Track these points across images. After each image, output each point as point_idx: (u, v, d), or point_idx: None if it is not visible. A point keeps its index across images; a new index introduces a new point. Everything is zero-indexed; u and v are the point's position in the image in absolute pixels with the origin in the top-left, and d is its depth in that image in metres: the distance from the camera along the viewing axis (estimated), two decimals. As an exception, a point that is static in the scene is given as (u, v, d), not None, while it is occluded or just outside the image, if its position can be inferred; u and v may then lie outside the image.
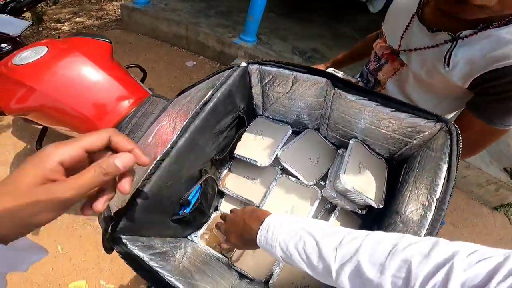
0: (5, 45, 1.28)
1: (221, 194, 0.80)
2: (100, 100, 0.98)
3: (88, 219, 1.47)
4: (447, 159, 0.48)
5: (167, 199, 0.58)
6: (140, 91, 1.04)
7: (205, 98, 0.60)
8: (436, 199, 0.46)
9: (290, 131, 0.78)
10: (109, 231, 0.46)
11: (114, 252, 0.47)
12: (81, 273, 1.30)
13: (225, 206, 0.78)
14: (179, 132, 0.56)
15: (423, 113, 0.53)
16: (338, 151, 0.74)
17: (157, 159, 0.53)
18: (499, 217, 2.46)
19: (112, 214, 0.48)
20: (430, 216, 0.45)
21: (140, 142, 0.77)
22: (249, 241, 0.50)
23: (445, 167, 0.47)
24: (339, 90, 0.60)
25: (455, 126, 0.50)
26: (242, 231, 0.51)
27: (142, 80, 1.51)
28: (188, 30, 2.68)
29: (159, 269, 0.45)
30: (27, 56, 0.96)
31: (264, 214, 0.50)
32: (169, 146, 0.55)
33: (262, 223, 0.48)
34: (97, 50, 1.11)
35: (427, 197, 0.48)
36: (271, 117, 0.83)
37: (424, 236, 0.44)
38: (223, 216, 0.61)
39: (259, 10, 2.31)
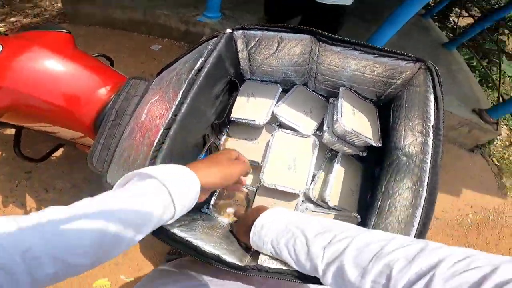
0: None
1: None
2: (75, 90, 0.93)
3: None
4: (432, 90, 0.53)
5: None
6: (116, 76, 1.01)
7: (197, 66, 0.61)
8: (432, 126, 0.51)
9: (280, 89, 0.81)
10: None
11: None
12: (100, 271, 1.31)
13: None
14: (179, 99, 0.57)
15: (402, 55, 0.59)
16: (330, 100, 0.78)
17: (162, 128, 0.55)
18: (477, 160, 2.70)
19: None
20: (430, 142, 0.50)
21: (130, 125, 0.76)
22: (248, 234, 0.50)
23: (432, 97, 0.53)
24: (324, 44, 0.64)
25: (431, 63, 0.57)
26: (246, 229, 0.51)
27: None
28: (147, 15, 2.54)
29: (190, 238, 0.48)
30: (-19, 58, 0.88)
31: (262, 211, 0.50)
32: (171, 114, 0.56)
33: (256, 219, 0.48)
34: (58, 41, 1.04)
35: (423, 125, 0.53)
36: (259, 79, 0.85)
37: (429, 161, 0.48)
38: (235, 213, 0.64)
39: None
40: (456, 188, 2.38)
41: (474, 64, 3.53)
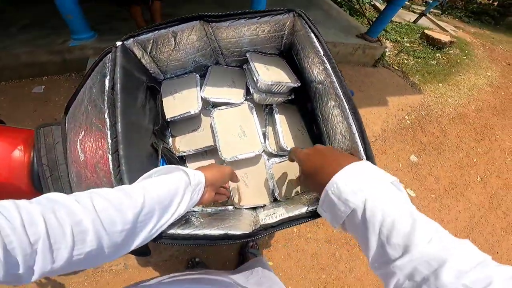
0: None
1: (183, 159, 0.83)
2: None
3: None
4: (310, 30, 0.64)
5: None
6: (19, 132, 0.89)
7: (108, 85, 0.59)
8: (323, 55, 0.62)
9: (198, 76, 0.85)
10: None
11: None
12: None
13: (193, 166, 0.81)
14: (109, 122, 0.55)
15: (277, 11, 0.69)
16: (243, 67, 0.85)
17: (110, 154, 0.54)
18: (383, 71, 3.22)
19: None
20: (328, 66, 0.60)
21: (73, 172, 0.71)
22: (320, 180, 0.43)
23: (312, 35, 0.63)
24: (213, 23, 0.69)
25: (299, 10, 0.67)
26: (323, 164, 0.46)
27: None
28: (2, 59, 2.12)
29: (194, 231, 0.51)
30: None
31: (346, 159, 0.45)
32: (110, 138, 0.55)
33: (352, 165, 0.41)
34: None
35: (317, 57, 0.63)
36: (174, 75, 0.86)
37: (335, 80, 0.57)
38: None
39: (70, 4, 2.00)
40: (382, 99, 2.78)
41: (339, 0, 4.08)
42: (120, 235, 0.35)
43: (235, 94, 0.83)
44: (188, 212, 0.73)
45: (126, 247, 0.38)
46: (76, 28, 2.17)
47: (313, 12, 3.28)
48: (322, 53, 0.62)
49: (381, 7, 4.62)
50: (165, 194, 0.43)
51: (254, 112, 0.81)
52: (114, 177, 0.52)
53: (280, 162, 0.78)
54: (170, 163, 0.71)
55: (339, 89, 0.57)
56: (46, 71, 2.30)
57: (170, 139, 0.81)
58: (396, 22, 4.47)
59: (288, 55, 0.87)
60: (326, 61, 0.61)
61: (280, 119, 0.79)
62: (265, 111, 0.85)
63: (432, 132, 2.64)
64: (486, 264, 0.27)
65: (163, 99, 0.80)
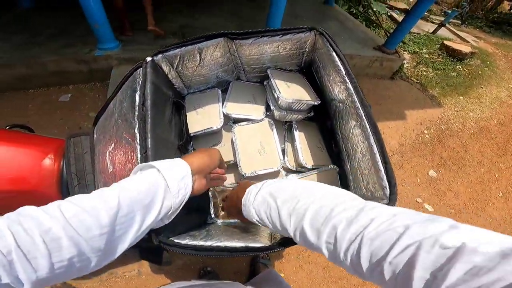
0: None
1: None
2: (17, 170, 0.86)
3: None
4: (331, 49, 0.65)
5: None
6: (51, 142, 0.94)
7: (138, 100, 0.62)
8: (344, 74, 0.63)
9: (220, 91, 0.88)
10: (161, 243, 0.52)
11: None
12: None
13: None
14: (139, 137, 0.58)
15: (298, 29, 0.71)
16: (264, 83, 0.88)
17: None
18: (401, 84, 3.15)
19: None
20: (350, 85, 0.62)
21: (100, 182, 0.74)
22: (241, 212, 0.53)
23: (334, 54, 0.65)
24: (237, 41, 0.71)
25: (321, 28, 0.70)
26: (236, 203, 0.55)
27: (33, 136, 1.30)
28: (30, 67, 2.23)
29: (216, 243, 0.54)
30: None
31: (248, 185, 0.54)
32: (140, 153, 0.57)
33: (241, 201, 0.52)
34: None
35: (339, 76, 0.64)
36: (197, 90, 0.90)
37: (357, 99, 0.58)
38: (224, 197, 0.67)
39: (99, 14, 2.09)
40: (400, 113, 2.72)
41: (355, 11, 4.08)
42: (100, 239, 0.34)
43: (256, 110, 0.85)
44: (209, 224, 0.75)
45: (112, 251, 0.37)
46: (102, 37, 2.27)
47: (328, 24, 3.30)
48: (343, 72, 0.63)
49: (399, 18, 4.59)
50: (145, 193, 0.41)
51: (274, 129, 0.82)
52: None
53: (299, 178, 0.78)
54: None
55: (360, 109, 0.58)
56: (72, 80, 2.41)
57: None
58: (414, 33, 4.41)
59: (308, 71, 0.89)
60: (347, 80, 0.62)
61: (299, 136, 0.80)
62: (285, 128, 0.87)
63: (452, 147, 2.56)
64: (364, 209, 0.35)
65: (187, 113, 0.83)
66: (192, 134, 0.80)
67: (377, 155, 0.54)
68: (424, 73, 3.49)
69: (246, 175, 0.76)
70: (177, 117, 0.78)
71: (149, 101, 0.60)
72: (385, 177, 0.52)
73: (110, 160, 0.72)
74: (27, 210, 0.33)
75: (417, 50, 3.94)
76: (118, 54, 2.34)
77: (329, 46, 0.66)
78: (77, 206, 0.35)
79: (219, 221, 0.76)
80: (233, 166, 0.81)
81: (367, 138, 0.56)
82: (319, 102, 0.79)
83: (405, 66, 3.40)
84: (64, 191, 0.83)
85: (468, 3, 5.95)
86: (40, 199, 0.86)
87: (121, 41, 2.44)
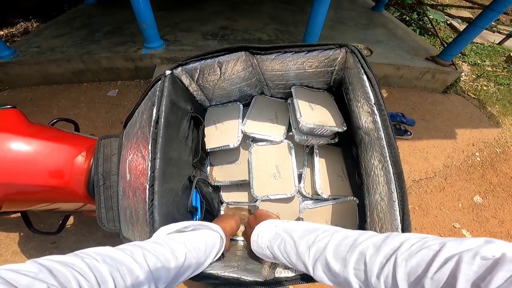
0: None
1: (218, 188, 0.85)
2: (53, 165, 0.92)
3: None
4: (362, 71, 0.58)
5: (178, 214, 0.62)
6: (85, 141, 1.00)
7: (154, 117, 0.62)
8: (374, 104, 0.55)
9: (241, 106, 0.85)
10: None
11: None
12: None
13: (227, 196, 0.84)
14: (150, 155, 0.59)
15: (326, 45, 0.64)
16: (288, 101, 0.83)
17: (148, 186, 0.57)
18: (455, 99, 2.83)
19: None
20: (378, 118, 0.54)
21: (120, 186, 0.77)
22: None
23: (365, 77, 0.57)
24: (258, 56, 0.67)
25: (353, 45, 0.62)
26: (248, 234, 0.59)
27: (76, 130, 1.42)
28: (86, 62, 2.46)
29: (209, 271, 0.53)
30: None
31: (258, 221, 0.59)
32: (149, 171, 0.58)
33: (253, 231, 0.56)
34: (9, 121, 1.01)
35: (367, 104, 0.57)
36: (219, 103, 0.88)
37: (384, 137, 0.51)
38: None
39: (147, 14, 2.21)
40: (450, 131, 2.46)
41: (407, 18, 3.77)
42: (163, 286, 0.41)
43: (276, 131, 0.81)
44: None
45: None
46: (149, 36, 2.41)
47: (374, 31, 3.07)
48: (373, 100, 0.55)
49: (460, 27, 4.13)
50: (202, 253, 0.50)
51: (293, 153, 0.77)
52: (148, 207, 0.55)
53: (313, 208, 0.73)
54: (203, 196, 0.72)
55: (385, 149, 0.50)
56: (121, 76, 2.61)
57: (208, 168, 0.83)
58: (477, 43, 3.93)
59: (338, 90, 0.81)
60: (376, 112, 0.54)
61: (319, 163, 0.74)
62: (306, 151, 0.81)
63: (505, 172, 2.24)
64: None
65: (206, 128, 0.83)
66: (208, 150, 0.79)
67: (396, 203, 0.48)
68: (485, 88, 3.08)
69: (258, 197, 0.73)
70: (195, 132, 0.78)
71: (163, 119, 0.60)
72: (400, 227, 0.47)
73: (129, 168, 0.74)
74: (119, 256, 0.37)
75: (479, 61, 3.49)
76: (161, 54, 2.46)
77: (360, 68, 0.58)
78: (156, 257, 0.41)
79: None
80: (248, 185, 0.79)
81: (387, 183, 0.49)
82: (345, 128, 0.72)
83: (462, 79, 3.04)
84: (91, 190, 0.88)
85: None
86: (69, 195, 0.91)
87: (166, 41, 2.57)
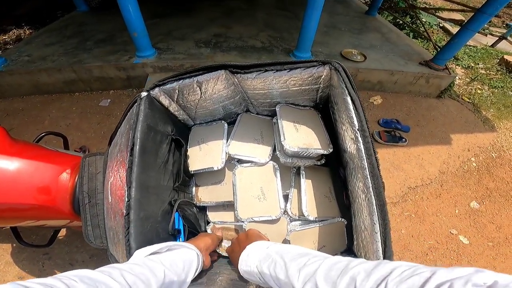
0: None
1: (204, 207, 0.82)
2: (38, 184, 0.91)
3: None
4: (347, 92, 0.55)
5: (157, 239, 0.60)
6: (70, 158, 0.99)
7: (130, 143, 0.59)
8: (357, 129, 0.52)
9: (226, 124, 0.83)
10: None
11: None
12: None
13: (213, 216, 0.81)
14: (125, 185, 0.57)
15: (309, 62, 0.61)
16: (273, 120, 0.81)
17: (124, 213, 0.55)
18: (449, 103, 2.82)
19: None
20: (361, 146, 0.51)
21: (105, 205, 0.75)
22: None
23: (349, 99, 0.55)
24: (239, 75, 0.65)
25: (337, 62, 0.59)
26: (236, 253, 0.60)
27: (65, 144, 1.39)
28: (77, 72, 2.43)
29: None
30: None
31: (248, 242, 0.59)
32: (126, 199, 0.56)
33: (243, 250, 0.57)
34: None
35: (352, 130, 0.54)
36: (203, 122, 0.86)
37: (367, 167, 0.49)
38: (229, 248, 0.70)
39: (138, 23, 2.19)
40: (445, 137, 2.45)
41: (401, 22, 3.78)
42: None
43: (261, 152, 0.78)
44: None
45: None
46: (140, 45, 2.38)
47: (368, 36, 3.07)
48: (357, 126, 0.53)
49: (452, 29, 4.14)
50: (181, 269, 0.51)
51: (278, 175, 0.75)
52: (124, 234, 0.53)
53: (300, 230, 0.71)
54: (186, 217, 0.70)
55: (369, 179, 0.48)
56: (113, 86, 2.57)
57: (194, 188, 0.81)
58: (470, 45, 3.94)
59: (325, 107, 0.79)
60: (360, 139, 0.52)
61: (306, 184, 0.72)
62: (293, 171, 0.79)
63: (502, 177, 2.23)
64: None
65: (190, 149, 0.80)
66: (192, 172, 0.77)
67: (378, 235, 0.46)
68: (479, 91, 3.08)
69: (242, 219, 0.70)
70: (177, 154, 0.75)
71: (138, 146, 0.57)
72: (381, 259, 0.45)
73: (110, 190, 0.72)
74: (97, 276, 0.38)
75: (472, 64, 3.50)
76: (153, 62, 2.43)
77: (344, 88, 0.55)
78: (135, 276, 0.42)
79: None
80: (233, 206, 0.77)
81: (370, 214, 0.47)
82: (331, 150, 0.70)
83: (456, 82, 3.03)
84: (76, 207, 0.86)
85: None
86: (54, 213, 0.90)
87: (158, 49, 2.55)
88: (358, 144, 0.52)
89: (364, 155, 0.50)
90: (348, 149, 0.59)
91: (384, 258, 0.46)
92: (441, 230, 1.84)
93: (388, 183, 2.05)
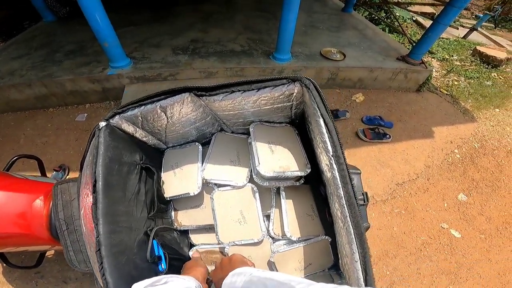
0: None
1: (186, 230, 0.79)
2: (11, 213, 0.87)
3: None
4: (319, 113, 0.52)
5: (135, 270, 0.57)
6: (41, 186, 0.96)
7: (92, 180, 0.55)
8: (332, 156, 0.50)
9: (200, 146, 0.79)
10: None
11: None
12: None
13: (196, 239, 0.78)
14: (94, 220, 0.53)
15: (278, 80, 0.57)
16: (248, 139, 0.77)
17: (96, 247, 0.51)
18: (428, 96, 2.86)
19: None
20: (336, 174, 0.49)
21: (83, 233, 0.71)
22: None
23: (321, 121, 0.52)
24: (204, 97, 0.60)
25: (308, 78, 0.55)
26: (220, 281, 0.57)
27: (41, 166, 1.32)
28: (48, 86, 2.30)
29: None
30: None
31: (232, 267, 0.57)
32: (96, 234, 0.52)
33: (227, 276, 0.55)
34: None
35: (326, 156, 0.52)
36: (176, 145, 0.82)
37: (343, 195, 0.47)
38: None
39: (107, 32, 2.08)
40: (427, 130, 2.48)
41: (376, 17, 3.83)
42: None
43: (238, 174, 0.75)
44: None
45: None
46: (113, 56, 2.27)
47: (346, 33, 3.10)
48: (331, 152, 0.50)
49: (425, 23, 4.24)
50: None
51: (257, 197, 0.73)
52: (99, 269, 0.50)
53: (284, 251, 0.69)
54: (166, 244, 0.67)
55: (345, 208, 0.46)
56: (88, 99, 2.45)
57: (173, 212, 0.77)
58: (443, 38, 4.05)
59: (301, 123, 0.76)
60: (335, 166, 0.49)
61: (286, 205, 0.70)
62: (273, 190, 0.76)
63: (486, 167, 2.28)
64: None
65: (164, 173, 0.76)
66: (168, 198, 0.73)
67: (358, 264, 0.45)
68: (456, 83, 3.16)
69: (223, 244, 0.68)
70: (150, 182, 0.71)
71: (100, 182, 0.53)
72: (363, 286, 0.44)
73: (83, 222, 0.68)
74: None
75: (447, 57, 3.60)
76: (129, 73, 2.34)
77: (317, 109, 0.52)
78: None
79: None
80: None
81: (349, 243, 0.46)
82: (309, 171, 0.68)
83: (433, 75, 3.10)
84: (54, 233, 0.84)
85: (500, 5, 5.40)
86: (32, 240, 0.89)
87: (133, 59, 2.45)
88: (333, 172, 0.50)
89: (339, 183, 0.48)
90: (325, 173, 0.57)
91: (366, 285, 0.44)
92: (432, 225, 1.85)
93: (376, 180, 2.05)
